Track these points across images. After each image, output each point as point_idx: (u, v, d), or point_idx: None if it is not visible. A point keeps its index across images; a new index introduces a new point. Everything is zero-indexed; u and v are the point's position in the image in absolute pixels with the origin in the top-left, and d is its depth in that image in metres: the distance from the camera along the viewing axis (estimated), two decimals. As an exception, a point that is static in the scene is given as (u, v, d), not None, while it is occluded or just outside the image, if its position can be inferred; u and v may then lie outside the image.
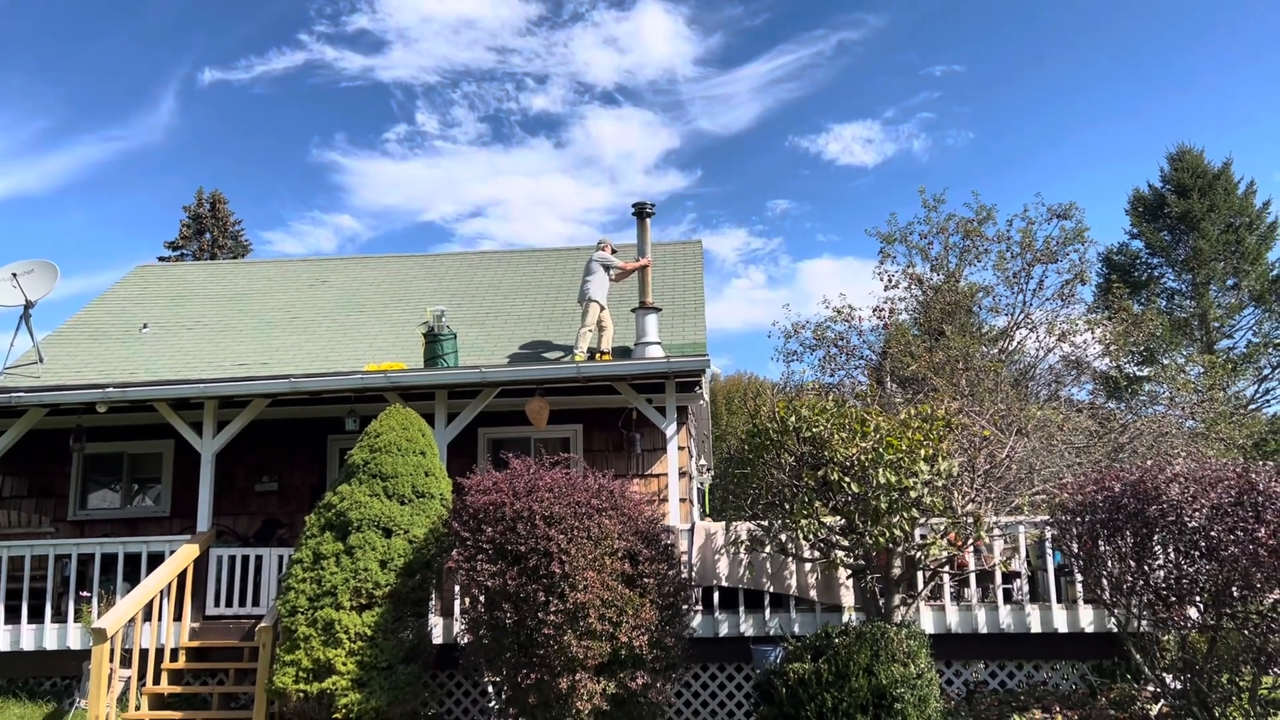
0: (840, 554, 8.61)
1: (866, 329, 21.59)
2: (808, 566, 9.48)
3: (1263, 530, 7.18)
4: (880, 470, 7.91)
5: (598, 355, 12.12)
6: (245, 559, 10.55)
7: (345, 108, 64.90)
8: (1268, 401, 30.62)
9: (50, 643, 10.30)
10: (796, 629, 9.40)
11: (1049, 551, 9.47)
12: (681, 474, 11.41)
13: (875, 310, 21.44)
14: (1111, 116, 56.07)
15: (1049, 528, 9.27)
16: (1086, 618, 9.31)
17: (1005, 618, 9.39)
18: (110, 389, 10.72)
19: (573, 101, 67.02)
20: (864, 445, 8.07)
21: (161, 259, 41.30)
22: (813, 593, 9.50)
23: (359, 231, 62.00)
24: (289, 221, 62.68)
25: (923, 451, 8.06)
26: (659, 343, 11.97)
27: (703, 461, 16.19)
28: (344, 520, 8.78)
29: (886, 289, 21.92)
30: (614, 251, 12.88)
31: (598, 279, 12.39)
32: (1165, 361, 22.88)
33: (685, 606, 8.58)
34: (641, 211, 12.53)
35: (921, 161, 57.62)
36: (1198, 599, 7.55)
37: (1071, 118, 56.12)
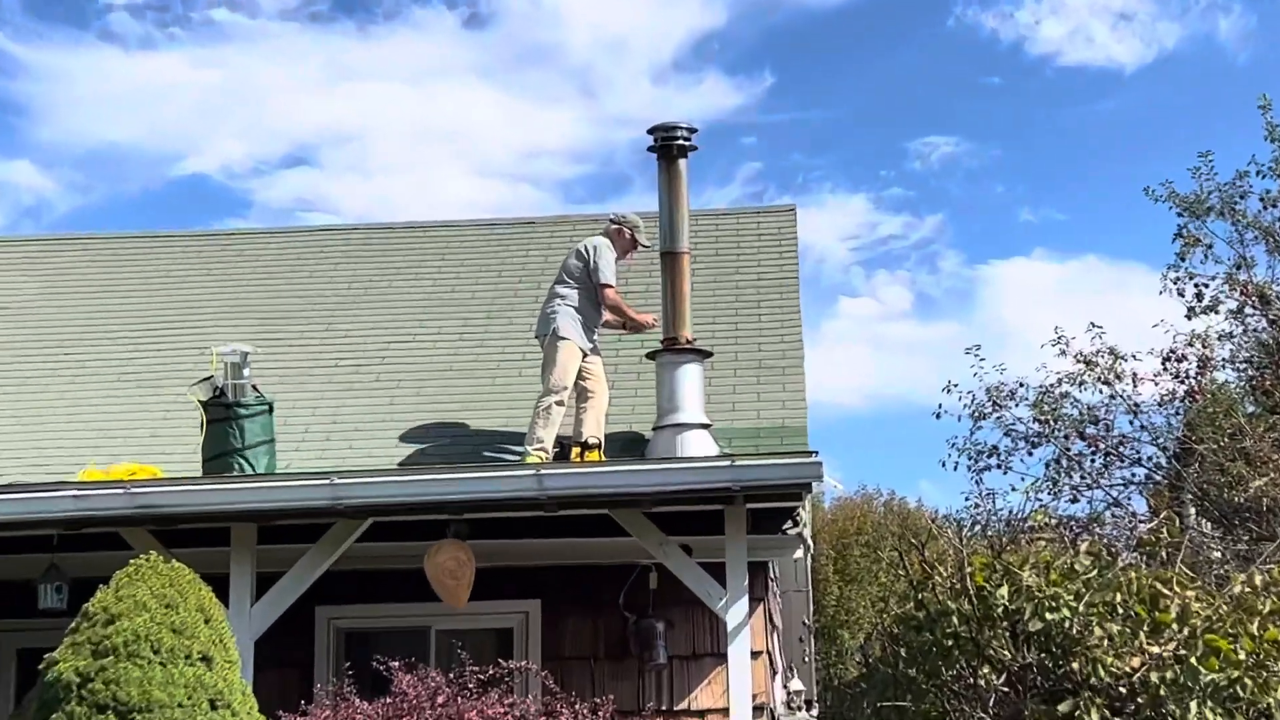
0: None
1: (1146, 401, 18.66)
2: None
3: None
4: (1193, 704, 7.49)
5: (574, 451, 10.35)
6: None
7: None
8: None
9: None
10: None
11: None
12: (757, 709, 9.55)
13: (1166, 361, 18.37)
14: None
15: None
16: None
17: None
18: None
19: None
20: (1156, 650, 7.67)
21: None
22: None
23: (49, 192, 55.14)
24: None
25: (1283, 667, 7.85)
26: (707, 425, 10.07)
27: (795, 684, 14.92)
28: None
29: (1190, 316, 18.92)
30: (635, 246, 11.00)
31: (577, 297, 10.58)
32: None
33: None
34: (669, 143, 10.49)
35: (1234, 60, 46.48)
36: None
37: None
